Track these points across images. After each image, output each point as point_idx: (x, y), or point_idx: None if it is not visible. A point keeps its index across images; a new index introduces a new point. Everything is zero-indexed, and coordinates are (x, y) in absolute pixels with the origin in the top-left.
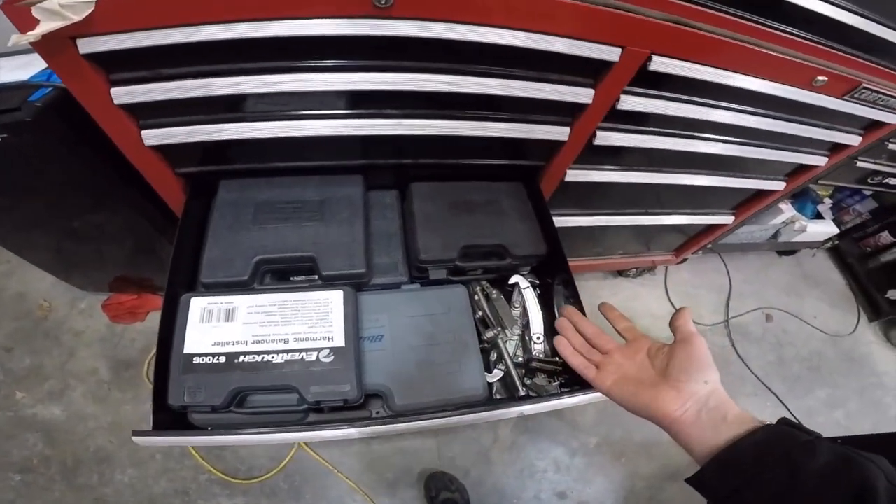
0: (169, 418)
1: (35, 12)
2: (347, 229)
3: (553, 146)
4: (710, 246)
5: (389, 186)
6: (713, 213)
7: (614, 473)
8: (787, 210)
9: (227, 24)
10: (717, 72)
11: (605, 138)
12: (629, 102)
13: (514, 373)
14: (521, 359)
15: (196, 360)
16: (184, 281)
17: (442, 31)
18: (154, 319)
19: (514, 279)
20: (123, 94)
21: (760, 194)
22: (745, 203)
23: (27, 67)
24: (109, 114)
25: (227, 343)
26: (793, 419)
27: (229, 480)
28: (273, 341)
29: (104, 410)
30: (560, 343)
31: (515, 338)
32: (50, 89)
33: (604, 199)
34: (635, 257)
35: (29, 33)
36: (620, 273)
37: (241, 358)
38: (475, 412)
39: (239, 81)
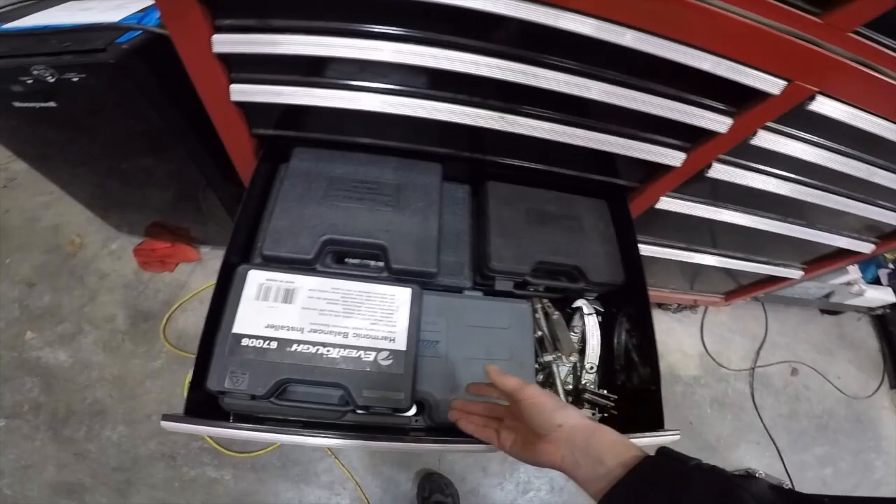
0: (200, 398)
1: None
2: (422, 222)
3: (657, 169)
4: (761, 294)
5: (462, 180)
6: (783, 265)
7: None
8: (853, 272)
9: None
10: (880, 122)
11: (722, 172)
12: (766, 140)
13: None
14: (570, 386)
15: (245, 341)
16: (240, 249)
17: (611, 33)
18: (182, 271)
19: (577, 303)
20: (224, 42)
21: (842, 253)
22: (822, 260)
23: (119, 9)
24: (204, 62)
25: (281, 328)
26: (672, 449)
27: (221, 451)
28: (331, 333)
29: (112, 361)
30: (461, 422)
31: (569, 364)
32: (139, 32)
33: (680, 231)
34: (683, 294)
35: None
36: (660, 305)
37: (295, 347)
38: None
39: (350, 44)
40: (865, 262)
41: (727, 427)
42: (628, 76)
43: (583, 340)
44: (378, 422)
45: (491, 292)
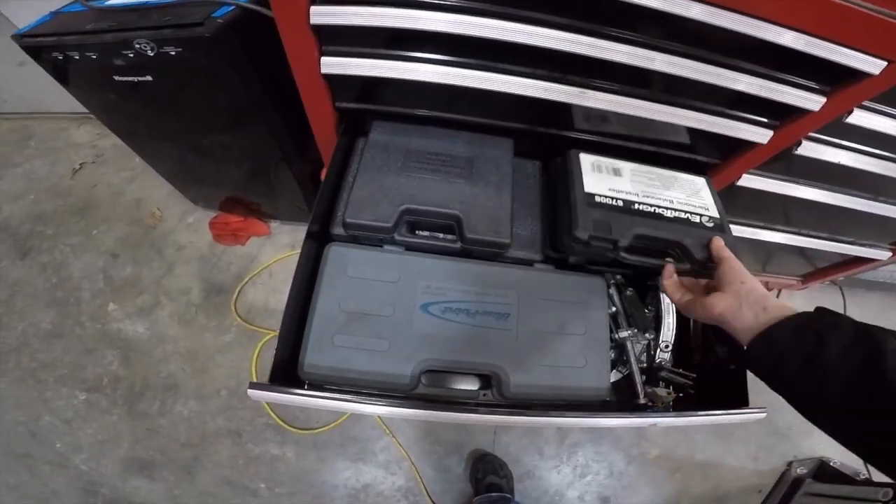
0: (284, 368)
1: None
2: (495, 194)
3: (741, 146)
4: (841, 278)
5: (533, 156)
6: (869, 246)
7: (665, 487)
8: None
9: None
10: None
11: (812, 149)
12: (862, 118)
13: (637, 378)
14: (644, 364)
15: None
16: (321, 218)
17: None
18: (253, 245)
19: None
20: (322, 14)
21: None
22: None
23: None
24: (299, 34)
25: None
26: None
27: (285, 428)
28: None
29: (186, 334)
30: (665, 275)
31: (644, 342)
32: (233, 7)
33: (760, 209)
34: (756, 275)
35: None
36: None
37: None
38: (608, 416)
39: (440, 17)
40: None
41: (799, 415)
42: (720, 54)
43: (657, 318)
44: (450, 395)
45: (562, 267)
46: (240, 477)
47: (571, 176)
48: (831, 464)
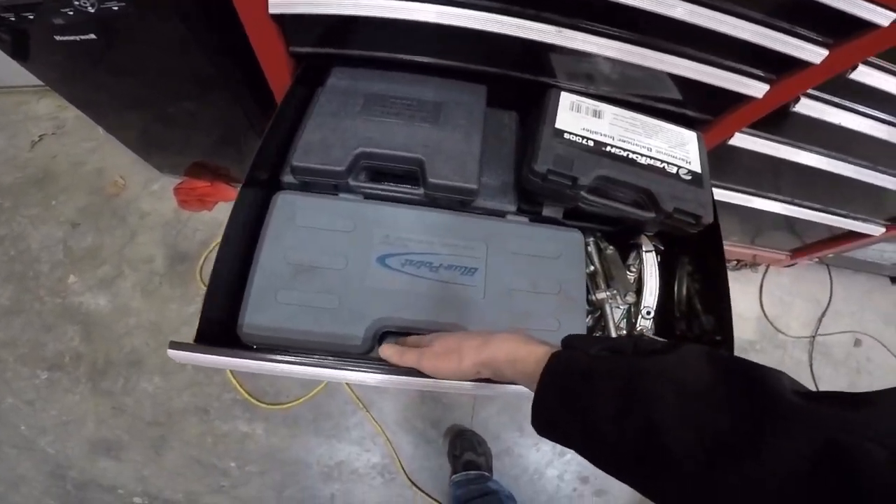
0: (216, 331)
1: None
2: (463, 138)
3: (735, 101)
4: (830, 255)
5: (509, 106)
6: (863, 220)
7: None
8: None
9: None
10: None
11: (811, 108)
12: (867, 75)
13: None
14: (623, 331)
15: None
16: (268, 168)
17: None
18: (221, 210)
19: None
20: None
21: None
22: None
23: None
24: None
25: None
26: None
27: (254, 403)
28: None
29: (149, 306)
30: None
31: (624, 306)
32: None
33: (752, 174)
34: (744, 247)
35: None
36: None
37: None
38: None
39: None
40: None
41: None
42: None
43: (639, 281)
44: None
45: (537, 219)
46: (209, 456)
47: (545, 111)
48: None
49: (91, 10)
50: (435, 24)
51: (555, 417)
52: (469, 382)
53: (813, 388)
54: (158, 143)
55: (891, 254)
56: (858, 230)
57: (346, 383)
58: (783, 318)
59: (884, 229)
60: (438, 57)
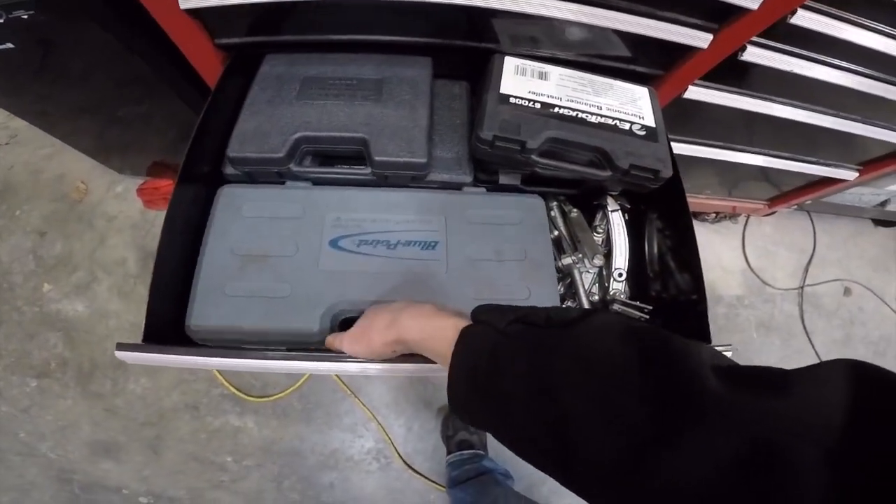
0: (166, 330)
1: None
2: (408, 112)
3: (682, 53)
4: (808, 202)
5: (459, 77)
6: (835, 166)
7: None
8: None
9: None
10: None
11: (758, 55)
12: (809, 19)
13: None
14: (595, 296)
15: None
16: (206, 162)
17: None
18: None
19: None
20: None
21: None
22: (880, 161)
23: None
24: None
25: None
26: (491, 304)
27: (242, 397)
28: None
29: (127, 308)
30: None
31: (594, 270)
32: None
33: (715, 127)
34: (721, 200)
35: None
36: (696, 215)
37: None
38: None
39: None
40: None
41: (774, 354)
42: None
43: (609, 243)
44: None
45: (495, 189)
46: (205, 452)
47: (490, 77)
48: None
49: (1, 20)
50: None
51: (467, 404)
52: (405, 364)
53: (808, 346)
54: (113, 146)
55: (869, 196)
56: (832, 176)
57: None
58: (769, 269)
59: (857, 173)
60: (378, 33)
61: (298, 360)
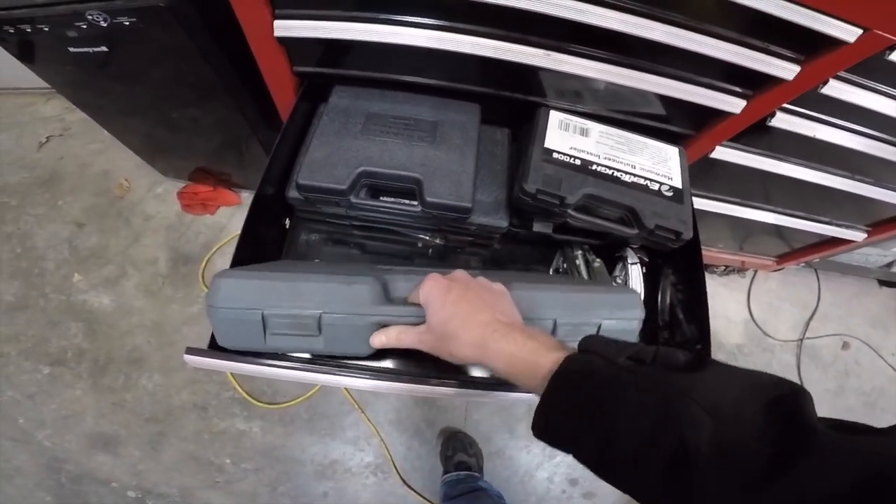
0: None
1: None
2: (458, 157)
3: (715, 117)
4: (817, 260)
5: (502, 123)
6: (845, 226)
7: None
8: None
9: None
10: None
11: (786, 122)
12: (839, 90)
13: None
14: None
15: None
16: (276, 180)
17: None
18: (223, 214)
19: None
20: None
21: None
22: (889, 222)
23: None
24: None
25: None
26: (600, 336)
27: (251, 402)
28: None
29: (152, 306)
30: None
31: None
32: None
33: (735, 184)
34: (732, 254)
35: None
36: (706, 267)
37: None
38: None
39: None
40: None
41: None
42: (693, 18)
43: None
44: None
45: (528, 237)
46: (205, 452)
47: (535, 131)
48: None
49: (104, 24)
50: (427, 48)
51: (563, 423)
52: (459, 389)
53: None
54: (162, 148)
55: (875, 257)
56: (841, 236)
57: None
58: (771, 322)
59: (865, 234)
60: (434, 78)
61: (355, 377)
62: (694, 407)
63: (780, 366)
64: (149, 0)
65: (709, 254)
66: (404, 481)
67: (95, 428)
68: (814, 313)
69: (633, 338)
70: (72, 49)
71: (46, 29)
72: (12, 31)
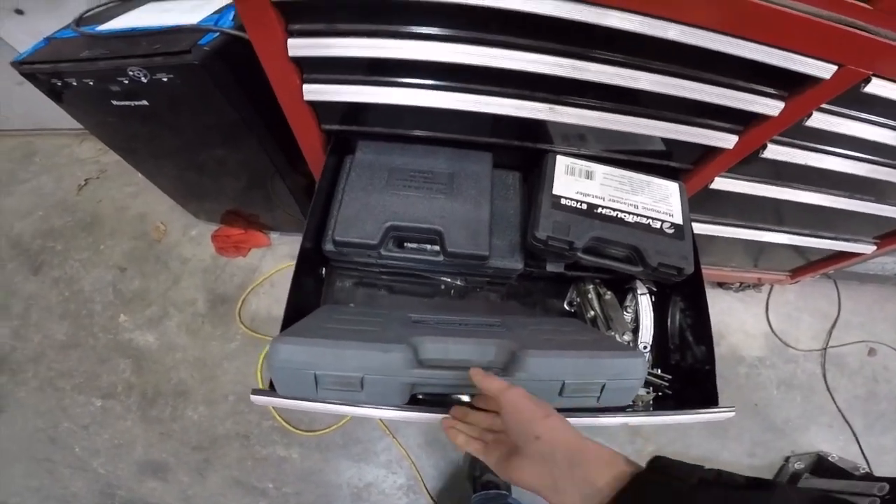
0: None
1: None
2: (474, 208)
3: (710, 152)
4: (832, 272)
5: (513, 167)
6: (852, 241)
7: None
8: None
9: None
10: None
11: (777, 152)
12: (822, 121)
13: None
14: None
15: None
16: (313, 234)
17: (656, 28)
18: (254, 256)
19: (631, 283)
20: (299, 46)
21: None
22: (894, 235)
23: (196, 10)
24: (280, 64)
25: None
26: (669, 459)
27: (290, 430)
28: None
29: (193, 343)
30: (449, 434)
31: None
32: (217, 34)
33: (739, 209)
34: (745, 272)
35: None
36: (721, 285)
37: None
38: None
39: (410, 46)
40: None
41: (796, 409)
42: (678, 66)
43: (636, 320)
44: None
45: (542, 276)
46: (248, 477)
47: (544, 177)
48: (829, 458)
49: (144, 80)
50: (440, 108)
51: None
52: None
53: (829, 402)
54: (192, 191)
55: (892, 265)
56: (850, 250)
57: None
58: (792, 332)
59: (874, 247)
60: (449, 132)
61: (408, 410)
62: None
63: (805, 375)
64: (184, 58)
65: (722, 273)
66: (434, 501)
67: (146, 456)
68: (836, 322)
69: (633, 395)
70: (115, 102)
71: (91, 83)
72: (59, 83)
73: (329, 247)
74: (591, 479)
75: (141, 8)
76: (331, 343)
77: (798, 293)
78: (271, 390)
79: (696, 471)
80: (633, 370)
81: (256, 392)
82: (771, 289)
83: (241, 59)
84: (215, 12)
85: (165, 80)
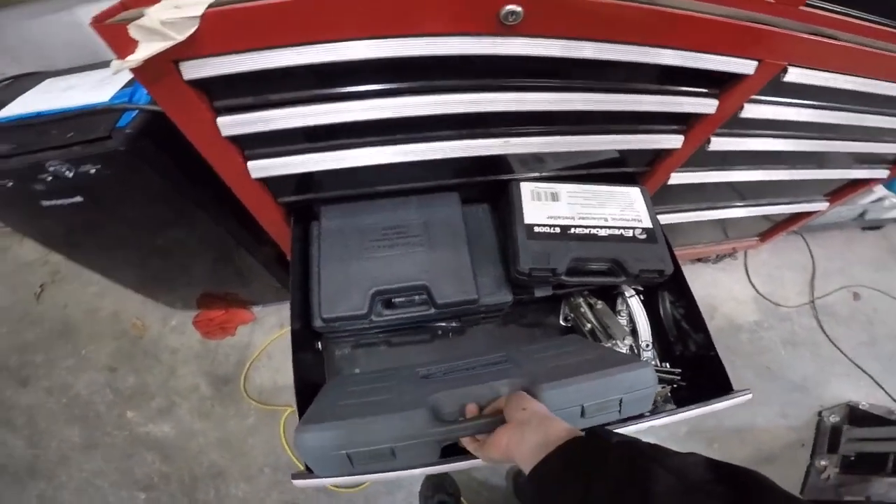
0: None
1: (132, 32)
2: (453, 254)
3: (662, 153)
4: (795, 229)
5: (480, 200)
6: (807, 202)
7: None
8: (879, 190)
9: (338, 43)
10: (850, 78)
11: (721, 143)
12: (754, 111)
13: None
14: None
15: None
16: (299, 314)
17: (572, 49)
18: (243, 333)
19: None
20: (232, 125)
21: (858, 182)
22: (841, 190)
23: (104, 86)
24: (216, 146)
25: None
26: (602, 428)
27: (334, 490)
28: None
29: (210, 426)
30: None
31: (626, 348)
32: (136, 112)
33: (699, 195)
34: (718, 245)
35: (130, 58)
36: (699, 260)
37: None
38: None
39: (350, 107)
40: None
41: (809, 366)
42: (611, 82)
43: (632, 322)
44: None
45: (532, 300)
46: None
47: (513, 208)
48: (860, 406)
49: (69, 174)
50: (396, 163)
51: (555, 478)
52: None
53: (837, 352)
54: (159, 282)
55: (846, 212)
56: (807, 210)
57: None
58: (778, 291)
59: (827, 203)
60: (411, 182)
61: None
62: (662, 472)
63: (805, 331)
64: (105, 145)
65: (696, 250)
66: None
67: None
68: (814, 273)
69: (651, 400)
70: (45, 203)
71: (10, 184)
72: None
73: (319, 323)
74: (548, 435)
75: (39, 87)
76: (354, 423)
77: (771, 252)
78: (309, 472)
79: (616, 436)
80: (643, 380)
81: (297, 476)
82: (745, 254)
83: (169, 133)
84: (126, 85)
85: (93, 171)
